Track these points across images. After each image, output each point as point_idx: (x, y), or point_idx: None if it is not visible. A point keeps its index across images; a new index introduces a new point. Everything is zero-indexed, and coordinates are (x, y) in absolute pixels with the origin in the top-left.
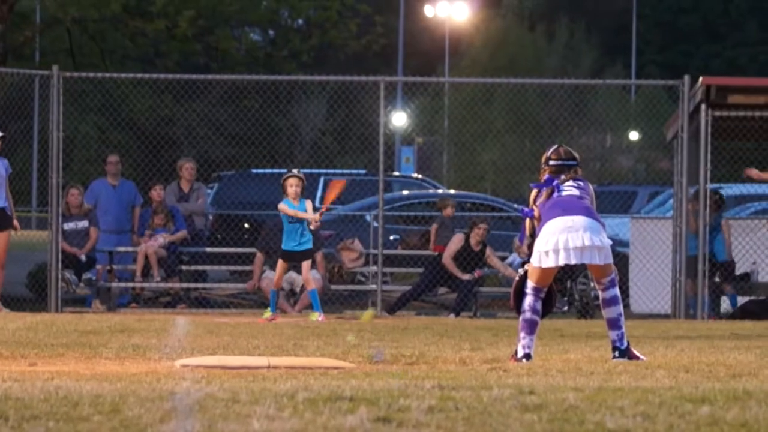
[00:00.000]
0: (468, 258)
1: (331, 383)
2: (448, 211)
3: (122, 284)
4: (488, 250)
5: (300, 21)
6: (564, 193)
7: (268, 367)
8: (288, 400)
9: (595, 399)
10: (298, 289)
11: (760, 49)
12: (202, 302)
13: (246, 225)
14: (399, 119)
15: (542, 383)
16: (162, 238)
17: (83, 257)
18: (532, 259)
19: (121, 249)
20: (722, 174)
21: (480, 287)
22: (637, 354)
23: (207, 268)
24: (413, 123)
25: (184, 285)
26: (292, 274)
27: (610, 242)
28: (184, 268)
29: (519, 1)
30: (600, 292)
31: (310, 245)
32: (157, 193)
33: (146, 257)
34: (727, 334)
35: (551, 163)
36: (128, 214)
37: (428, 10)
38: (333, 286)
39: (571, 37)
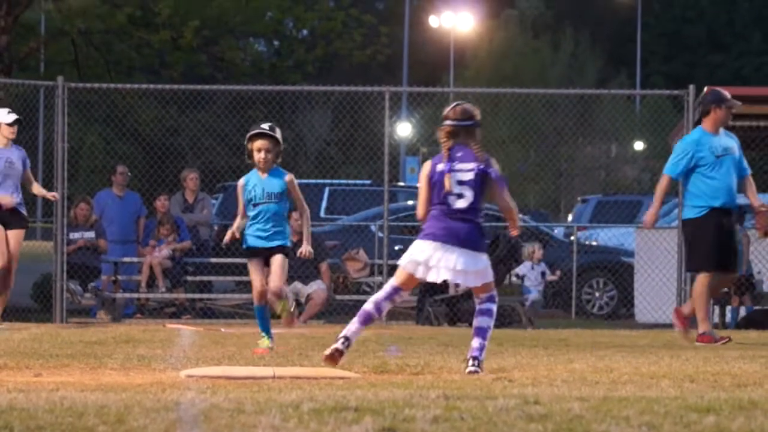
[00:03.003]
0: None
1: (336, 393)
2: None
3: (127, 295)
4: None
5: (305, 31)
6: (452, 205)
7: (273, 377)
8: (293, 410)
9: (600, 409)
10: (303, 300)
11: (764, 59)
12: (207, 313)
13: None
14: (404, 129)
15: (547, 393)
16: (167, 249)
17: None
18: (401, 260)
19: (126, 260)
20: None
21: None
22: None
23: (212, 278)
24: (418, 133)
25: (189, 296)
26: (297, 284)
27: (486, 263)
28: (189, 278)
29: (520, 11)
30: (477, 304)
31: (284, 241)
32: (161, 203)
33: (151, 268)
34: (732, 344)
35: (446, 122)
36: (133, 225)
37: (433, 21)
38: (338, 297)
39: (576, 48)
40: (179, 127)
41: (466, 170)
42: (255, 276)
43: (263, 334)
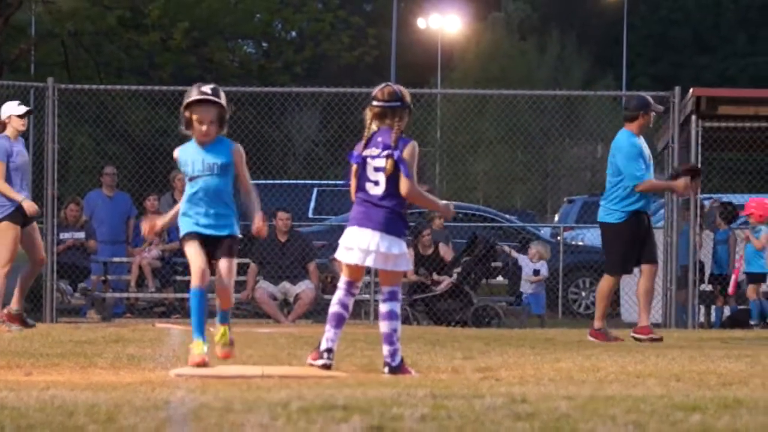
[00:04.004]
0: (427, 264)
1: (324, 392)
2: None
3: (117, 294)
4: (441, 248)
5: (293, 33)
6: (369, 191)
7: (262, 376)
8: (282, 409)
9: (587, 407)
10: (291, 299)
11: (749, 60)
12: None
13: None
14: None
15: (534, 392)
16: (156, 249)
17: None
18: (336, 252)
19: (116, 259)
20: (713, 184)
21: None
22: (409, 369)
23: None
24: (405, 134)
25: (179, 295)
26: (286, 284)
27: (403, 251)
28: (178, 278)
29: (506, 13)
30: (380, 303)
31: (232, 229)
32: (151, 203)
33: (141, 268)
34: (717, 343)
35: (374, 103)
36: (123, 225)
37: (420, 22)
38: (326, 296)
39: (563, 49)
40: (168, 128)
41: (380, 156)
42: (195, 255)
43: (196, 335)
